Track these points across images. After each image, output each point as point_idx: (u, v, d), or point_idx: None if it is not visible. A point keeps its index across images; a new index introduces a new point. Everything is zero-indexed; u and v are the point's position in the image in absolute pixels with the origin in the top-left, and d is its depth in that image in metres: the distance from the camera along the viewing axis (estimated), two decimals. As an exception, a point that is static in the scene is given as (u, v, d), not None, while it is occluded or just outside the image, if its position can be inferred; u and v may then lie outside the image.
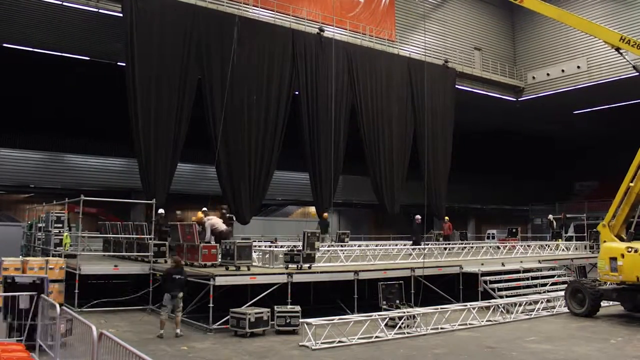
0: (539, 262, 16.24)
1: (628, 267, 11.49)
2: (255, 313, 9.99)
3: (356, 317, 10.37)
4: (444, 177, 25.62)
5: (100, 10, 18.00)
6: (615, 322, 11.65)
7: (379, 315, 10.43)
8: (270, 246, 15.41)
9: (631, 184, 12.34)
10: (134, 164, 18.92)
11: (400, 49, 25.24)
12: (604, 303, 12.62)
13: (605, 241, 12.51)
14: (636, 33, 23.34)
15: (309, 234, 12.08)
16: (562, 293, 13.04)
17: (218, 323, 10.26)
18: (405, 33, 26.12)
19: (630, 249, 11.57)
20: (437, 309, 11.15)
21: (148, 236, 13.17)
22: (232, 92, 18.78)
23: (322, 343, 9.21)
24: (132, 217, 22.90)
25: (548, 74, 28.59)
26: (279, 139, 20.15)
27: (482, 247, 17.40)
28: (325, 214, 19.88)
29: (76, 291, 11.74)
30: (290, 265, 11.77)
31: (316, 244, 12.39)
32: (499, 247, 18.46)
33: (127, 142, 18.77)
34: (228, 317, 10.23)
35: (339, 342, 9.42)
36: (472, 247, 16.86)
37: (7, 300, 8.00)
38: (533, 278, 14.86)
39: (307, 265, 11.93)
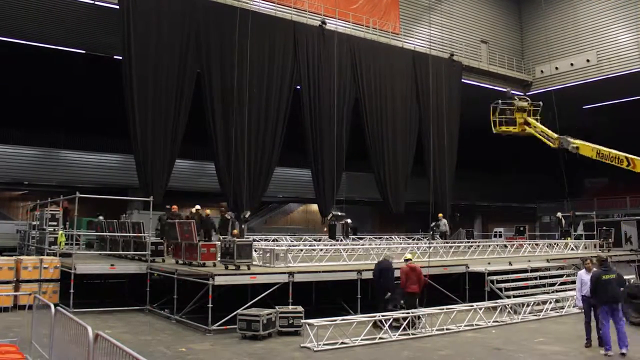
0: (547, 261, 15.95)
1: None
2: (267, 314, 9.72)
3: (359, 317, 10.17)
4: (450, 174, 25.20)
5: (96, 2, 17.72)
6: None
7: (382, 315, 10.13)
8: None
9: None
10: (131, 160, 18.66)
11: (404, 41, 24.81)
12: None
13: None
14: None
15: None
16: (571, 293, 12.65)
17: (217, 324, 10.01)
18: (410, 25, 25.68)
19: None
20: (443, 309, 10.89)
21: (146, 234, 12.90)
22: (231, 85, 18.47)
23: (324, 344, 8.97)
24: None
25: (557, 68, 28.09)
26: (280, 135, 19.87)
27: (489, 245, 17.10)
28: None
29: (71, 291, 11.50)
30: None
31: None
32: (506, 246, 18.17)
33: (125, 138, 18.50)
34: (227, 318, 10.00)
35: (342, 343, 9.23)
36: (478, 246, 16.55)
37: None
38: (541, 278, 14.60)
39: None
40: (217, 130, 18.43)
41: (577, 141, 16.71)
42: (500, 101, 20.40)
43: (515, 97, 19.70)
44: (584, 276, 9.11)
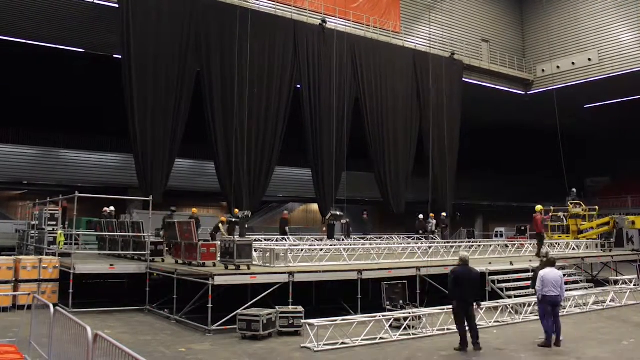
0: (549, 260, 15.75)
1: None
2: (267, 314, 9.67)
3: (360, 317, 10.09)
4: (451, 173, 25.12)
5: (96, 1, 17.66)
6: (630, 323, 11.21)
7: (383, 316, 10.09)
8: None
9: None
10: (131, 160, 18.62)
11: (405, 40, 24.75)
12: (617, 303, 12.14)
13: None
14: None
15: None
16: (572, 293, 12.62)
17: (217, 324, 9.95)
18: (411, 24, 25.62)
19: None
20: (443, 309, 10.77)
21: (144, 234, 12.85)
22: (231, 85, 18.42)
23: (324, 345, 8.92)
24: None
25: (558, 67, 28.02)
26: (280, 134, 19.82)
27: (490, 245, 17.00)
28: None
29: (70, 291, 11.45)
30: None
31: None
32: (507, 246, 18.06)
33: (124, 138, 18.47)
34: (227, 318, 9.94)
35: (342, 343, 9.15)
36: (479, 246, 16.46)
37: None
38: (543, 277, 14.39)
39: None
40: (217, 129, 18.38)
41: (631, 217, 17.35)
42: (552, 207, 20.41)
43: (570, 203, 19.67)
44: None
